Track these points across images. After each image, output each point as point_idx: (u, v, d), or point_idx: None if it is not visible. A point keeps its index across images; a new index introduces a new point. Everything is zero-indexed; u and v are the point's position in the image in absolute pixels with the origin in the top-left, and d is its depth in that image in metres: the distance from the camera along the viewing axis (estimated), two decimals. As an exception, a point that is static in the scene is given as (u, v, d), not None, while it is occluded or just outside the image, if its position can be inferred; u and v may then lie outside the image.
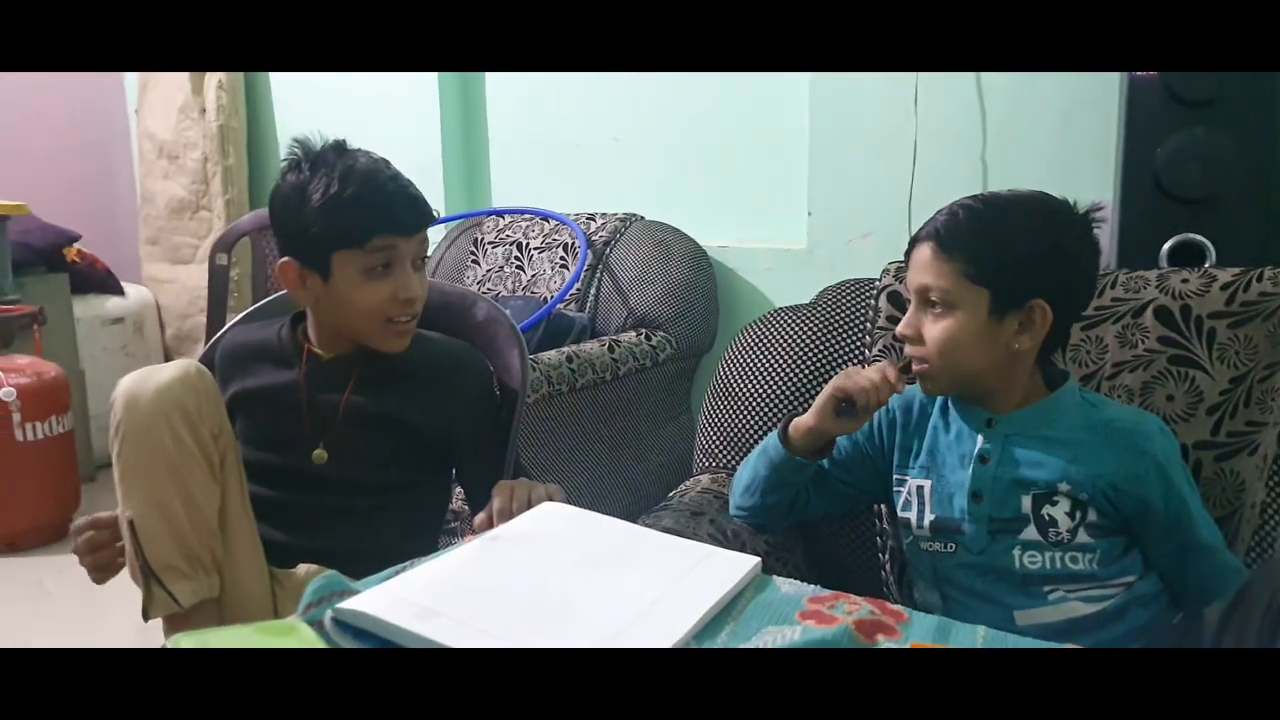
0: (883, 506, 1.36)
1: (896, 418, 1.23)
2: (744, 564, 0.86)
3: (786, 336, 1.54)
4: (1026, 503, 1.10)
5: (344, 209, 1.17)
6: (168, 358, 3.77)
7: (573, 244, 2.69)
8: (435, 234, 2.83)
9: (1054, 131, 2.19)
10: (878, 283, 1.48)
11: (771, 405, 1.50)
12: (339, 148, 1.23)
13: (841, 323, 1.52)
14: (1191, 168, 1.78)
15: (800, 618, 0.77)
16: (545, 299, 2.62)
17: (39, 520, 2.68)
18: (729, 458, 1.53)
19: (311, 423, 1.26)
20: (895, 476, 1.23)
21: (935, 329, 1.10)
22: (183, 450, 1.09)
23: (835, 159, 2.45)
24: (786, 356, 1.52)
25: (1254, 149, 1.77)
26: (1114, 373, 1.30)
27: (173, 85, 3.66)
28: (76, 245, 3.37)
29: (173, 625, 1.11)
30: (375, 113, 3.18)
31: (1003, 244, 1.08)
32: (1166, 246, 1.80)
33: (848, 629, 0.74)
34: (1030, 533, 1.09)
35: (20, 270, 3.03)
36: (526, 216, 2.88)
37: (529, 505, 1.08)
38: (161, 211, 3.77)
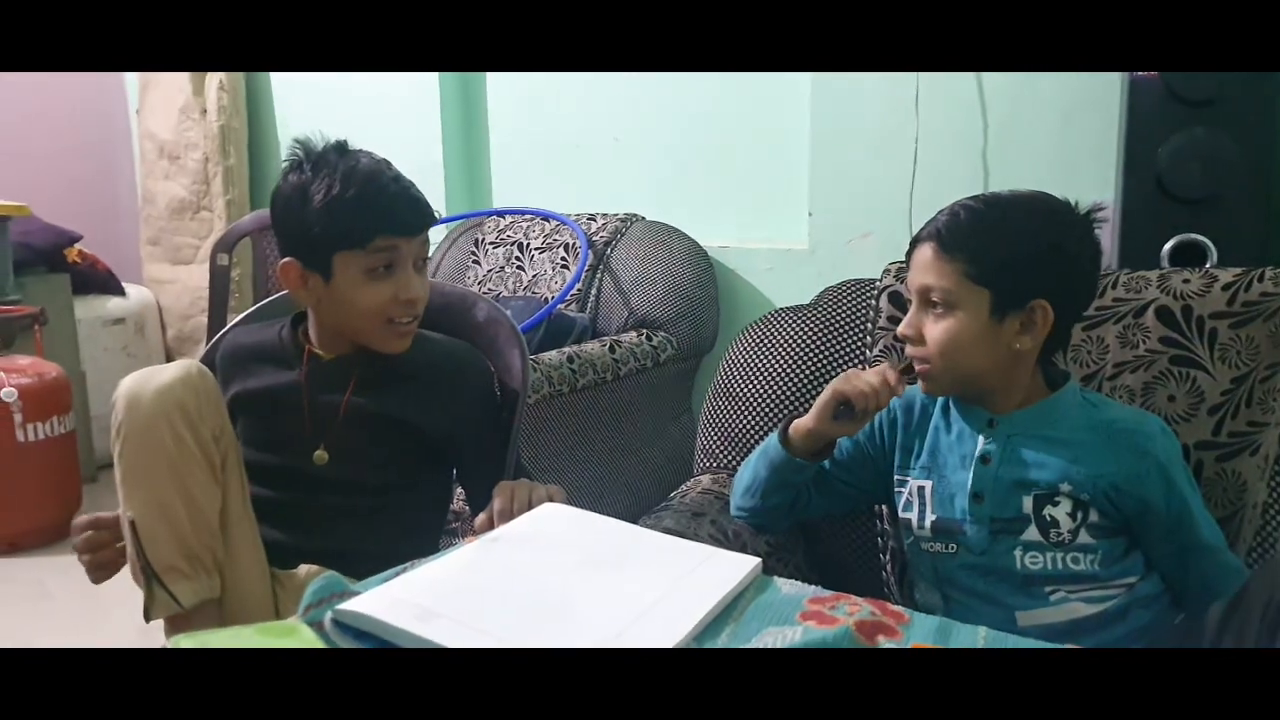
0: (884, 507, 1.36)
1: (898, 418, 1.23)
2: (745, 564, 0.86)
3: (787, 337, 1.54)
4: (1028, 503, 1.10)
5: (346, 210, 1.17)
6: (169, 358, 3.77)
7: (573, 244, 2.69)
8: (436, 234, 2.83)
9: (1055, 131, 2.19)
10: (878, 283, 1.48)
11: (772, 406, 1.50)
12: (341, 148, 1.23)
13: (842, 323, 1.52)
14: (1192, 168, 1.78)
15: (801, 618, 0.77)
16: (546, 299, 2.62)
17: (40, 521, 2.68)
18: (730, 458, 1.53)
19: (312, 423, 1.26)
20: (896, 477, 1.23)
21: (936, 329, 1.10)
22: (184, 451, 1.09)
23: (836, 159, 2.45)
24: (787, 357, 1.52)
25: (1255, 149, 1.77)
26: (1115, 373, 1.30)
27: (174, 86, 3.66)
28: (77, 246, 3.37)
29: (174, 626, 1.11)
30: (376, 113, 3.18)
31: (1004, 244, 1.08)
32: (1167, 246, 1.80)
33: (848, 630, 0.74)
34: (1031, 533, 1.09)
35: (21, 271, 3.03)
36: (527, 217, 2.88)
37: (530, 506, 1.08)
38: (162, 212, 3.77)
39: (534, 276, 2.74)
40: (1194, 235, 1.79)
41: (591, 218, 2.76)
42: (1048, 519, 1.09)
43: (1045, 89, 2.19)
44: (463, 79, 3.17)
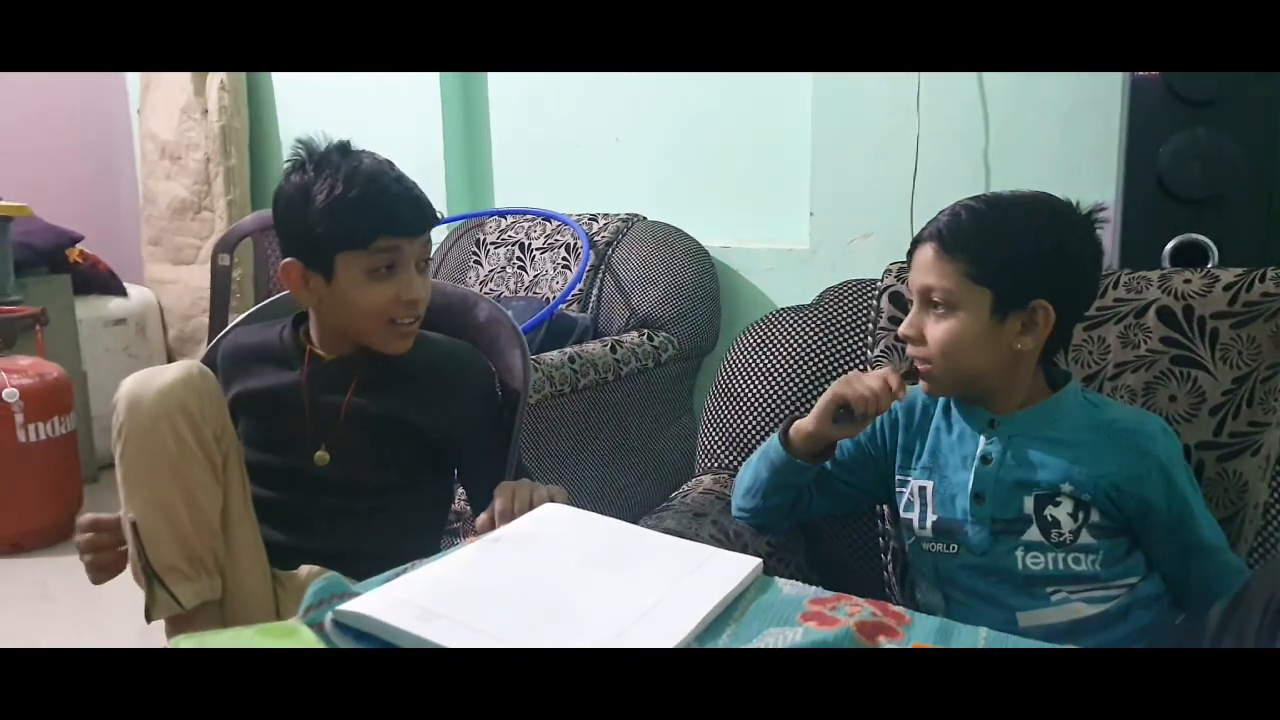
0: (885, 507, 1.36)
1: (899, 418, 1.23)
2: (745, 565, 0.86)
3: (788, 337, 1.54)
4: (1029, 503, 1.10)
5: (348, 210, 1.17)
6: (170, 358, 3.77)
7: (575, 244, 2.69)
8: (437, 235, 2.84)
9: (1056, 131, 2.19)
10: (879, 283, 1.48)
11: (773, 406, 1.50)
12: (343, 149, 1.23)
13: (843, 323, 1.52)
14: (1193, 168, 1.78)
15: (802, 619, 0.77)
16: (547, 299, 2.62)
17: (42, 521, 2.68)
18: (731, 458, 1.52)
19: (313, 424, 1.26)
20: (897, 477, 1.23)
21: (938, 330, 1.10)
22: (185, 451, 1.09)
23: (837, 159, 2.45)
24: (788, 357, 1.52)
25: (1256, 149, 1.76)
26: (1116, 373, 1.30)
27: (175, 86, 3.66)
28: (79, 246, 3.37)
29: (175, 627, 1.11)
30: (377, 113, 3.18)
31: (1005, 244, 1.08)
32: (1169, 247, 1.80)
33: (849, 630, 0.74)
34: (1033, 534, 1.09)
35: (22, 271, 3.04)
36: (529, 217, 2.88)
37: (531, 506, 1.08)
38: (164, 212, 3.77)
39: (535, 277, 2.74)
40: (1195, 235, 1.78)
41: (593, 218, 2.76)
42: (1049, 519, 1.09)
43: (1046, 89, 2.19)
44: (464, 79, 3.17)
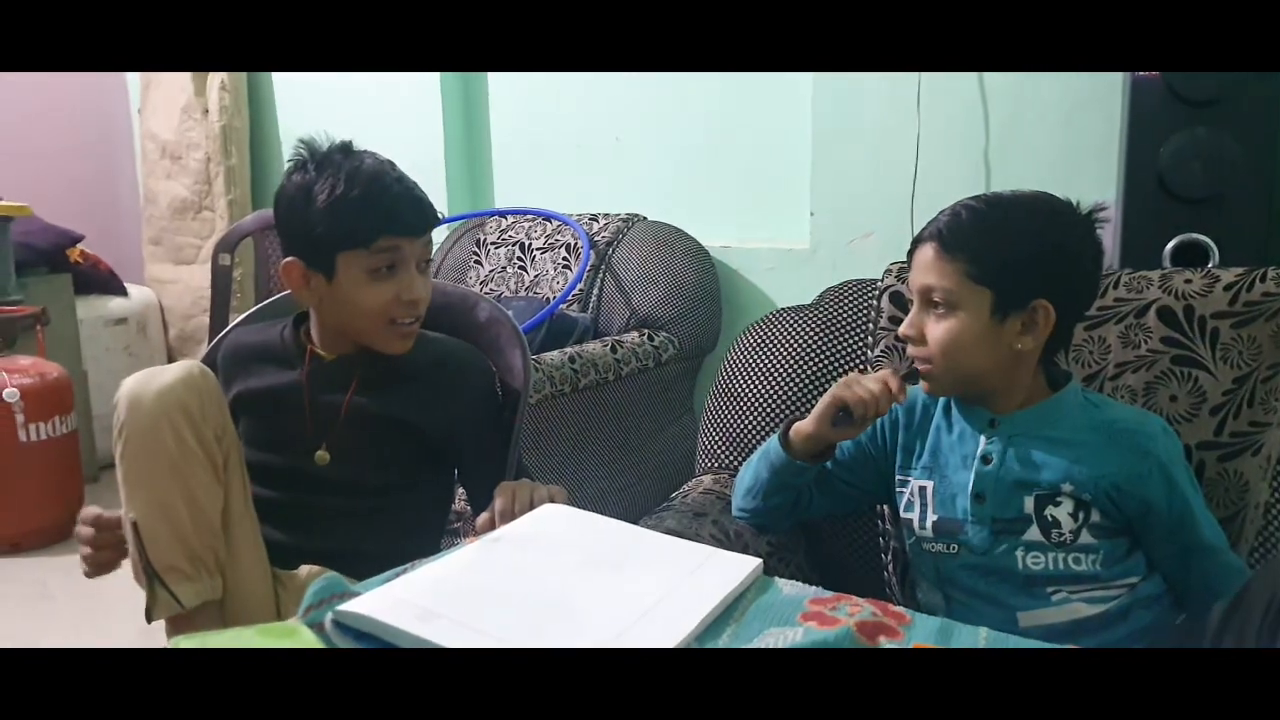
0: (885, 507, 1.36)
1: (899, 418, 1.23)
2: (746, 565, 0.86)
3: (789, 337, 1.54)
4: (1029, 503, 1.10)
5: (349, 209, 1.17)
6: (171, 358, 3.77)
7: (575, 244, 2.69)
8: (438, 235, 2.84)
9: (1056, 131, 2.19)
10: (880, 283, 1.48)
11: (774, 406, 1.50)
12: (345, 148, 1.23)
13: (844, 323, 1.52)
14: (1194, 167, 1.78)
15: (802, 619, 0.77)
16: (548, 299, 2.62)
17: (42, 521, 2.68)
18: (731, 458, 1.52)
19: (314, 424, 1.26)
20: (898, 477, 1.23)
21: (938, 329, 1.10)
22: (185, 451, 1.09)
23: (837, 159, 2.45)
24: (789, 357, 1.52)
25: (1256, 148, 1.76)
26: (1117, 373, 1.30)
27: (175, 85, 3.66)
28: (79, 246, 3.38)
29: (176, 626, 1.11)
30: (377, 113, 3.18)
31: (1005, 244, 1.08)
32: (1169, 246, 1.80)
33: (849, 630, 0.74)
34: (1033, 534, 1.09)
35: (23, 271, 3.04)
36: (529, 217, 2.88)
37: (531, 506, 1.08)
38: (164, 212, 3.77)
39: (536, 276, 2.74)
40: (1196, 235, 1.78)
41: (593, 218, 2.76)
42: (1049, 519, 1.09)
43: (1047, 89, 2.18)
44: (464, 79, 3.17)
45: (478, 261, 2.89)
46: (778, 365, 1.52)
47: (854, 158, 2.42)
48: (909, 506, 1.20)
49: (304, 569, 1.22)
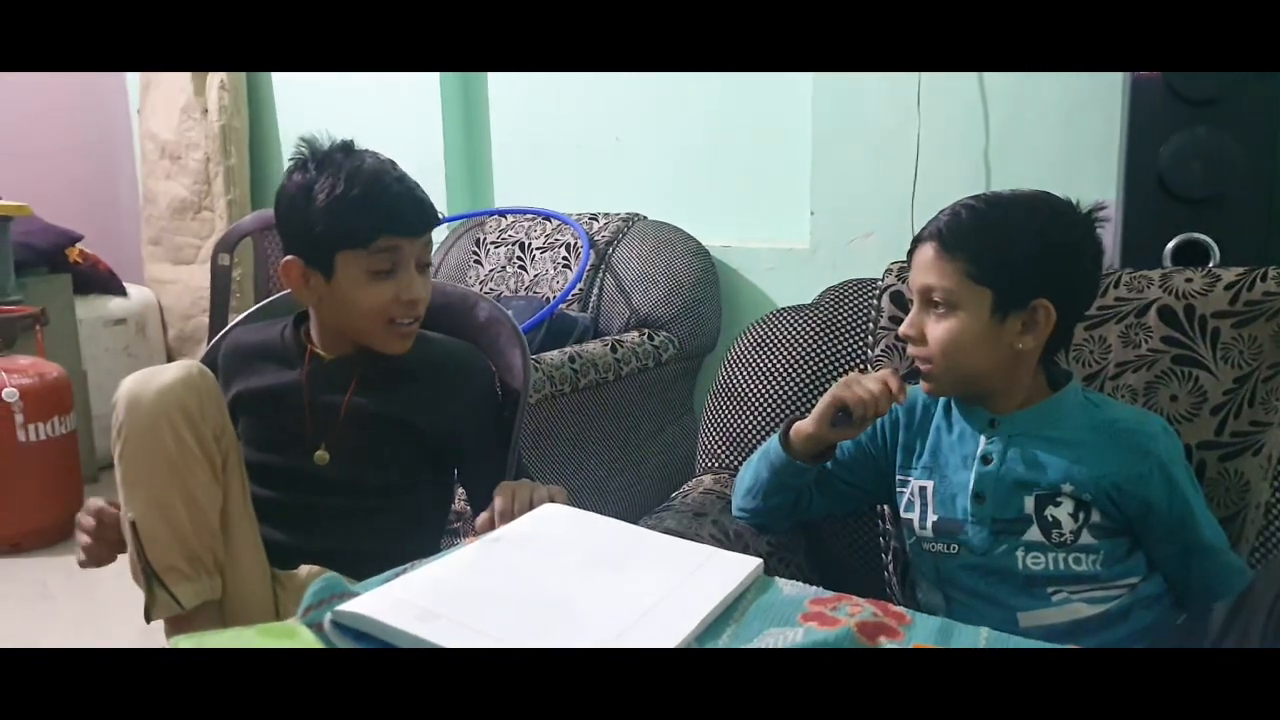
0: (885, 507, 1.36)
1: (899, 418, 1.23)
2: (746, 565, 0.86)
3: (789, 336, 1.54)
4: (1029, 503, 1.10)
5: (349, 209, 1.17)
6: (170, 358, 3.77)
7: (575, 244, 2.69)
8: (438, 234, 2.83)
9: (1056, 131, 2.19)
10: (880, 282, 1.47)
11: (774, 405, 1.50)
12: (346, 148, 1.23)
13: (844, 323, 1.52)
14: (1194, 167, 1.78)
15: (802, 619, 0.77)
16: (548, 299, 2.62)
17: (41, 521, 2.68)
18: (731, 458, 1.52)
19: (313, 423, 1.26)
20: (898, 477, 1.22)
21: (938, 329, 1.10)
22: (184, 451, 1.09)
23: (837, 159, 2.45)
24: (789, 357, 1.52)
25: (1257, 148, 1.76)
26: (1117, 372, 1.30)
27: (175, 86, 3.66)
28: (79, 246, 3.37)
29: (175, 627, 1.11)
30: (377, 113, 3.18)
31: (1005, 243, 1.08)
32: (1170, 246, 1.80)
33: (850, 631, 0.74)
34: (1033, 534, 1.09)
35: (22, 271, 3.03)
36: (529, 216, 2.88)
37: (531, 506, 1.08)
38: (164, 212, 3.77)
39: (535, 276, 2.74)
40: (1196, 234, 1.78)
41: (593, 217, 2.76)
42: (1049, 519, 1.09)
43: (1047, 88, 2.18)
44: (464, 79, 3.17)
45: (477, 261, 2.88)
46: (778, 365, 1.52)
47: (854, 158, 2.42)
48: (909, 506, 1.20)
49: (303, 569, 1.22)
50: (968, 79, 2.26)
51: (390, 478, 1.28)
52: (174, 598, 1.08)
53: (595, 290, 2.62)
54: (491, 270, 2.84)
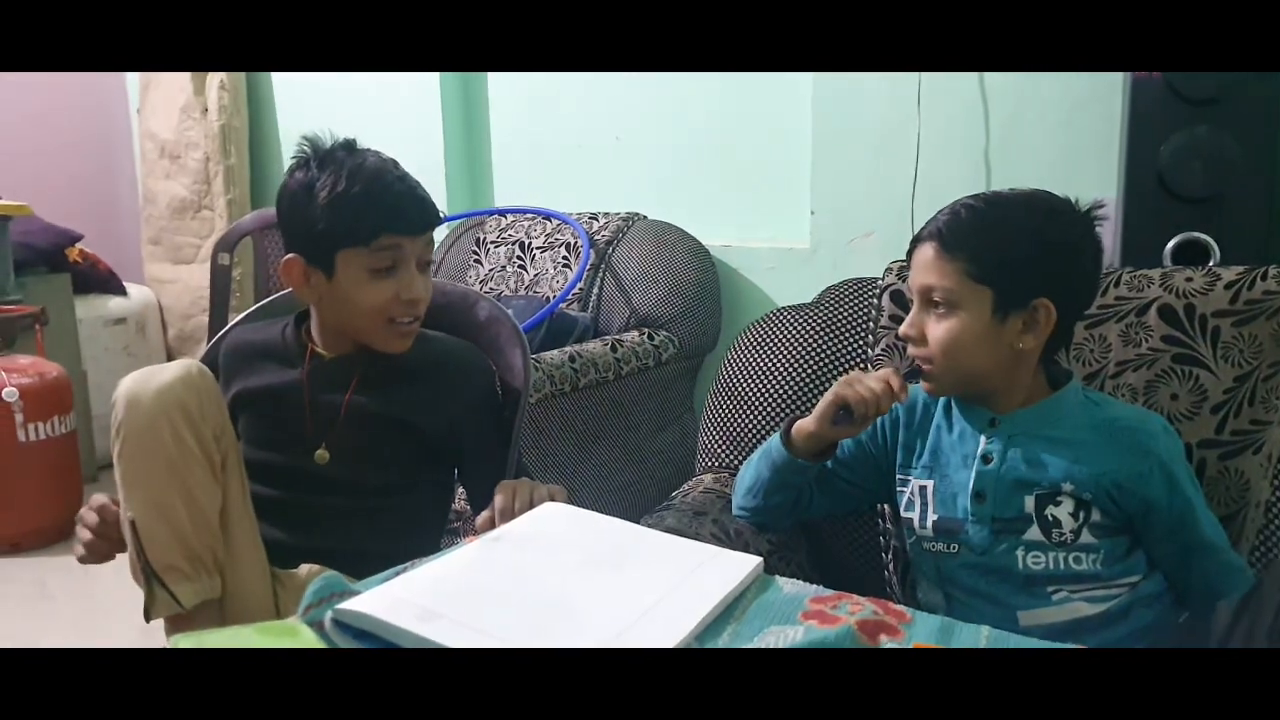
0: (886, 506, 1.36)
1: (900, 417, 1.23)
2: (746, 564, 0.86)
3: (789, 336, 1.54)
4: (1029, 503, 1.10)
5: (351, 207, 1.17)
6: (170, 358, 3.77)
7: (575, 243, 2.69)
8: (438, 234, 2.83)
9: (1057, 130, 2.19)
10: (880, 282, 1.47)
11: (774, 405, 1.50)
12: (348, 146, 1.23)
13: (844, 322, 1.52)
14: (1194, 166, 1.78)
15: (803, 618, 0.77)
16: (548, 298, 2.62)
17: (41, 521, 2.68)
18: (731, 457, 1.52)
19: (314, 423, 1.26)
20: (898, 476, 1.22)
21: (939, 329, 1.10)
22: (184, 450, 1.09)
23: (838, 158, 2.44)
24: (789, 356, 1.52)
25: (1257, 147, 1.76)
26: (1117, 371, 1.30)
27: (174, 85, 3.66)
28: (78, 245, 3.37)
29: (175, 626, 1.11)
30: (377, 112, 3.18)
31: (1005, 243, 1.08)
32: (1170, 245, 1.80)
33: (850, 629, 0.73)
34: (1033, 533, 1.09)
35: (22, 270, 3.03)
36: (529, 216, 2.88)
37: (531, 505, 1.08)
38: (163, 211, 3.77)
39: (536, 276, 2.74)
40: (1196, 234, 1.78)
41: (593, 217, 2.76)
42: (1050, 519, 1.09)
43: (1047, 88, 2.18)
44: (464, 79, 3.17)
45: (477, 260, 2.88)
46: (778, 364, 1.52)
47: (854, 158, 2.42)
48: (909, 506, 1.20)
49: (303, 568, 1.22)
50: (968, 79, 2.26)
51: (390, 477, 1.28)
52: (174, 597, 1.08)
53: (595, 290, 2.62)
54: (491, 270, 2.84)
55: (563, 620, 0.75)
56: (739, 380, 1.55)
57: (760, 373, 1.53)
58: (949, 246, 1.09)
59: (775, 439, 1.22)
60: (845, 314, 1.53)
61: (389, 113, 3.18)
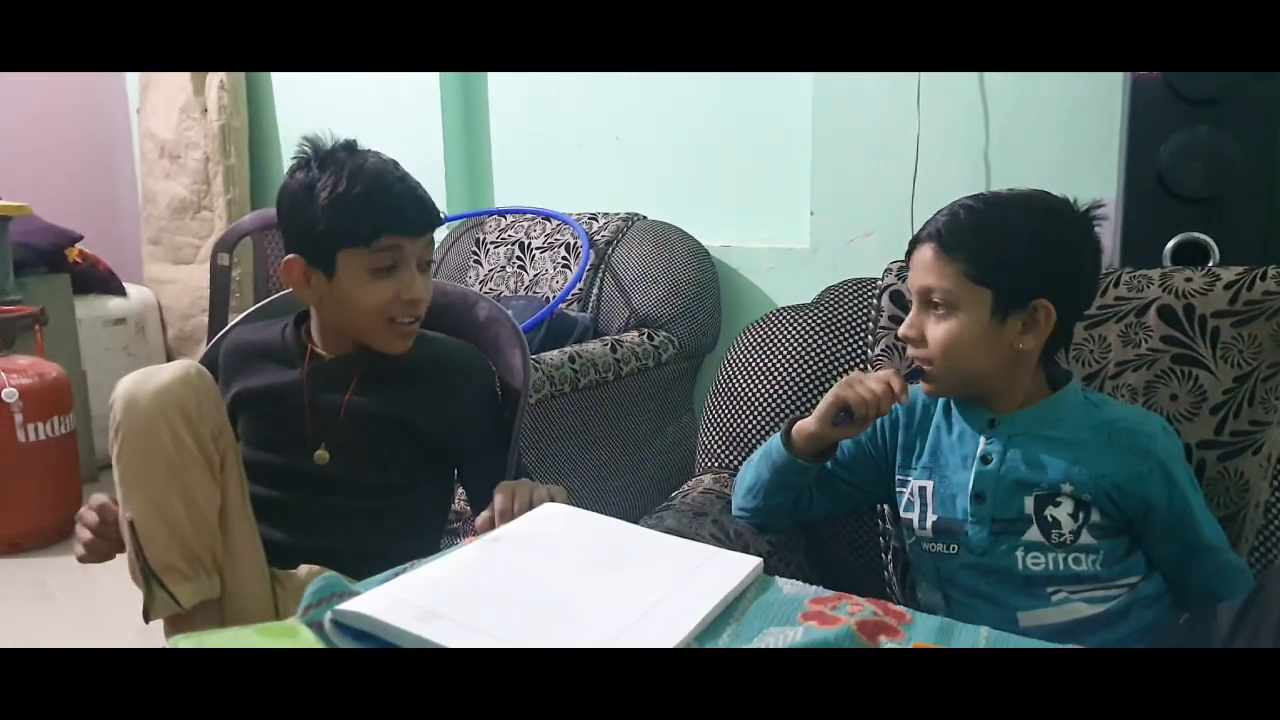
0: (885, 507, 1.36)
1: (899, 418, 1.23)
2: (746, 565, 0.86)
3: (789, 336, 1.54)
4: (1029, 504, 1.10)
5: (351, 207, 1.18)
6: (169, 358, 3.77)
7: (575, 244, 2.69)
8: (437, 234, 2.83)
9: (1056, 131, 2.19)
10: (880, 282, 1.47)
11: (774, 405, 1.50)
12: (349, 146, 1.23)
13: (844, 322, 1.52)
14: (1194, 166, 1.78)
15: (802, 619, 0.77)
16: (547, 299, 2.62)
17: (41, 521, 2.68)
18: (731, 457, 1.52)
19: (313, 423, 1.26)
20: (898, 477, 1.22)
21: (938, 330, 1.10)
22: (183, 451, 1.09)
23: (837, 158, 2.45)
24: (789, 356, 1.52)
25: (1257, 148, 1.76)
26: (1117, 372, 1.30)
27: (174, 85, 3.66)
28: (78, 245, 3.37)
29: (174, 626, 1.11)
30: (377, 113, 3.18)
31: (1004, 243, 1.08)
32: (1169, 245, 1.80)
33: (850, 630, 0.73)
34: (1033, 534, 1.09)
35: (22, 271, 3.03)
36: (529, 216, 2.88)
37: (531, 506, 1.08)
38: (163, 211, 3.77)
39: (535, 276, 2.74)
40: (1196, 234, 1.78)
41: (593, 217, 2.76)
42: (1049, 519, 1.09)
43: (1047, 88, 2.18)
44: (464, 79, 3.17)
45: (477, 261, 2.88)
46: (778, 364, 1.52)
47: (854, 158, 2.42)
48: (909, 506, 1.20)
49: (303, 568, 1.22)
50: (968, 79, 2.26)
51: (390, 477, 1.28)
52: (173, 597, 1.08)
53: (595, 290, 2.62)
54: (491, 270, 2.84)
55: (562, 621, 0.75)
56: (739, 380, 1.55)
57: (760, 373, 1.53)
58: (948, 247, 1.09)
59: (775, 440, 1.22)
60: (845, 314, 1.53)
61: (389, 113, 3.18)
